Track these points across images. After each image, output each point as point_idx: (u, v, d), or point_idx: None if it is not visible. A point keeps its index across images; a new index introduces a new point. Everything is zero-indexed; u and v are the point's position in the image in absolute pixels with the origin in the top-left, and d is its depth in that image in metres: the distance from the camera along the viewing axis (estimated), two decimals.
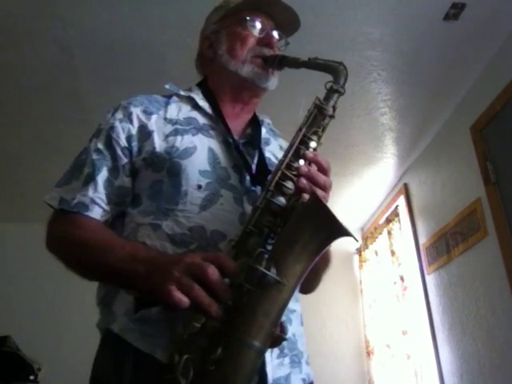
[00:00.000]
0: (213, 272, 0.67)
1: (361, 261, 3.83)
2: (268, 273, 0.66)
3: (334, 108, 0.86)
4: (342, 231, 0.70)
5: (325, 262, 0.96)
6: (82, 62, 2.17)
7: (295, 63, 0.95)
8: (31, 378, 2.46)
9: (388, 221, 3.29)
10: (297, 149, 0.81)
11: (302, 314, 0.93)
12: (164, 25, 1.97)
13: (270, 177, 0.80)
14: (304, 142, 0.82)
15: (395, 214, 3.21)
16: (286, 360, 0.84)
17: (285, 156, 0.81)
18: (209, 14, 1.12)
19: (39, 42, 2.04)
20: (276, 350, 0.81)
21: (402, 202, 3.15)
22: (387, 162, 3.04)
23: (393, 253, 3.15)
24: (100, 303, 0.86)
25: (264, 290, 0.67)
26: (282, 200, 0.77)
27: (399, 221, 3.15)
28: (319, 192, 0.78)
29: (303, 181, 0.77)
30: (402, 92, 2.39)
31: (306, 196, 0.76)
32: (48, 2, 1.86)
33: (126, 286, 0.79)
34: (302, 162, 0.80)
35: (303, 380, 0.86)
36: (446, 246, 2.50)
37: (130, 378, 0.74)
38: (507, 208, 2.01)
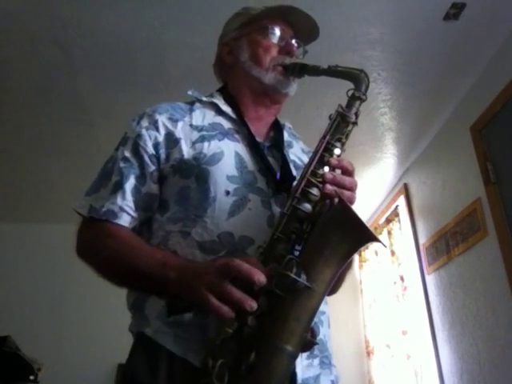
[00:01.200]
0: (246, 267, 0.68)
1: (361, 261, 3.83)
2: (299, 279, 0.68)
3: (357, 115, 0.87)
4: (370, 237, 0.72)
5: (349, 264, 0.97)
6: (82, 62, 2.17)
7: (315, 71, 0.97)
8: (31, 378, 2.46)
9: (388, 221, 3.29)
10: (321, 156, 0.82)
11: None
12: (164, 25, 1.97)
13: (295, 184, 0.82)
14: (328, 150, 0.83)
15: (395, 213, 3.22)
16: (316, 361, 0.84)
17: (310, 163, 0.82)
18: (228, 20, 1.14)
19: (39, 42, 2.04)
20: None
21: (402, 202, 3.15)
22: (387, 162, 3.04)
23: (393, 253, 3.15)
24: (132, 307, 0.87)
25: (295, 296, 0.69)
26: (307, 207, 0.78)
27: (399, 221, 3.15)
28: (347, 193, 0.80)
29: (329, 187, 0.79)
30: (402, 92, 2.39)
31: (334, 201, 0.78)
32: (48, 2, 1.86)
33: (157, 291, 0.81)
34: (326, 168, 0.81)
35: (332, 382, 0.87)
36: (446, 245, 2.50)
37: (166, 379, 0.75)
38: (507, 208, 2.01)
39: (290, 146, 1.04)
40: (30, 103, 2.43)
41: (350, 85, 0.91)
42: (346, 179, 0.82)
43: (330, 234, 0.72)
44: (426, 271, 2.75)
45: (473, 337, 2.22)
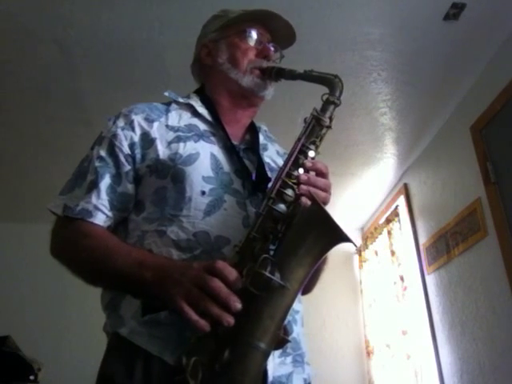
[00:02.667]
0: (217, 286, 0.69)
1: (361, 261, 3.83)
2: (273, 278, 0.70)
3: (331, 119, 0.90)
4: (342, 237, 0.73)
5: (323, 263, 0.99)
6: (82, 62, 2.17)
7: (291, 75, 1.00)
8: (31, 378, 2.46)
9: (388, 221, 3.29)
10: (296, 158, 0.84)
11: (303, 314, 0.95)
12: (164, 25, 1.97)
13: (271, 185, 0.83)
14: (303, 152, 0.85)
15: (395, 214, 3.21)
16: (289, 359, 0.85)
17: (285, 165, 0.84)
18: (206, 22, 1.15)
19: (39, 42, 2.04)
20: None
21: (402, 201, 3.15)
22: (387, 162, 3.04)
23: (393, 253, 3.15)
24: (107, 308, 0.87)
25: (269, 294, 0.70)
26: (283, 207, 0.80)
27: (399, 221, 3.15)
28: (321, 194, 0.81)
29: (303, 187, 0.80)
30: (402, 92, 2.39)
31: (308, 202, 0.79)
32: (48, 2, 1.86)
33: (132, 291, 0.81)
34: (301, 170, 0.83)
35: (304, 380, 0.88)
36: (445, 246, 2.50)
37: (142, 379, 0.75)
38: (507, 208, 2.01)
39: (265, 148, 1.05)
40: (30, 103, 2.43)
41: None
42: (321, 180, 0.84)
43: (304, 234, 0.74)
44: (425, 271, 2.75)
45: (473, 337, 2.22)
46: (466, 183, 2.36)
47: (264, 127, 1.12)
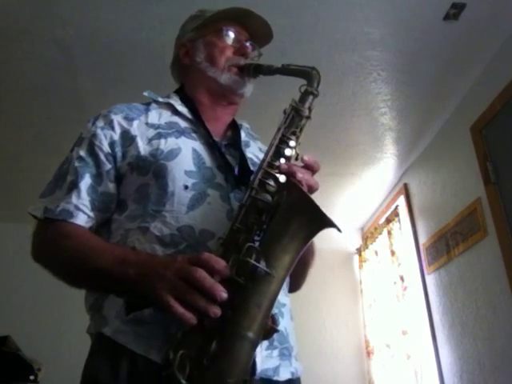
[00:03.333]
0: (202, 276, 0.68)
1: (361, 261, 3.83)
2: (258, 265, 0.69)
3: (310, 109, 0.90)
4: (326, 222, 0.73)
5: (311, 256, 1.00)
6: (82, 62, 2.17)
7: (269, 71, 1.00)
8: (31, 378, 2.46)
9: (388, 221, 3.29)
10: (277, 148, 0.84)
11: (291, 308, 0.94)
12: (164, 25, 1.97)
13: (253, 176, 0.83)
14: (283, 142, 0.85)
15: (395, 214, 3.21)
16: (275, 352, 0.84)
17: (266, 155, 0.84)
18: (184, 22, 1.17)
19: (39, 42, 2.04)
20: (265, 342, 0.81)
21: (402, 202, 3.15)
22: (387, 162, 3.04)
23: (393, 253, 3.15)
24: (90, 309, 0.86)
25: (255, 283, 0.70)
26: (266, 197, 0.80)
27: (399, 221, 3.15)
28: (311, 181, 0.82)
29: (294, 171, 0.80)
30: (402, 92, 2.39)
31: (292, 189, 0.78)
32: (48, 1, 1.86)
33: (116, 290, 0.79)
34: (282, 160, 0.83)
35: (292, 373, 0.87)
36: (445, 246, 2.50)
37: (127, 379, 0.74)
38: (507, 208, 2.01)
39: (248, 145, 1.05)
40: (30, 103, 2.43)
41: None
42: (304, 170, 0.83)
43: (288, 221, 0.74)
44: (425, 271, 2.75)
45: (473, 337, 2.22)
46: (466, 183, 2.36)
47: (246, 125, 1.12)
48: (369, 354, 3.48)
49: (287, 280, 0.95)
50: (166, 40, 2.03)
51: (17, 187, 3.27)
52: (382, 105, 2.49)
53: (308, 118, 0.89)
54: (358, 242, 3.92)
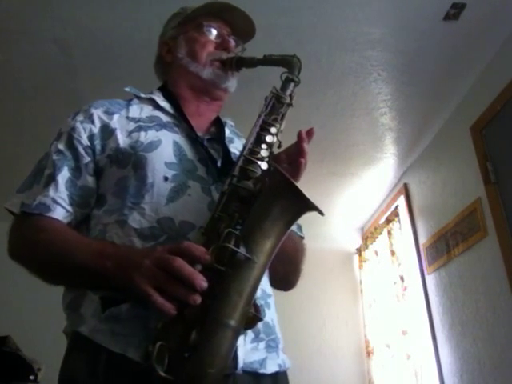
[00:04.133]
0: (181, 264, 0.66)
1: (361, 261, 3.83)
2: (237, 250, 0.67)
3: (291, 96, 0.89)
4: (308, 205, 0.71)
5: (300, 253, 0.98)
6: (82, 62, 2.17)
7: (252, 62, 0.99)
8: (31, 377, 2.45)
9: (388, 221, 3.29)
10: (258, 135, 0.83)
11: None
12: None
13: (234, 163, 0.82)
14: (264, 129, 0.84)
15: (395, 214, 3.21)
16: (262, 345, 0.83)
17: (247, 142, 0.83)
18: (167, 20, 1.16)
19: (39, 42, 2.04)
20: (250, 334, 0.80)
21: (402, 202, 3.15)
22: (387, 162, 3.04)
23: (393, 253, 3.15)
24: (67, 308, 0.83)
25: (235, 269, 0.68)
26: (247, 184, 0.78)
27: (399, 221, 3.15)
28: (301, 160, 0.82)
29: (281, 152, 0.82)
30: (402, 92, 2.39)
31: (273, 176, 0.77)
32: (47, 1, 1.86)
33: (95, 284, 0.77)
34: (264, 146, 0.83)
35: (279, 365, 0.85)
36: (446, 246, 2.50)
37: (104, 379, 0.72)
38: (507, 208, 2.01)
39: (232, 141, 1.04)
40: (30, 103, 2.43)
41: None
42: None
43: (269, 205, 0.72)
44: (425, 271, 2.74)
45: (473, 337, 2.22)
46: (466, 183, 2.36)
47: (230, 122, 1.11)
48: (369, 353, 3.48)
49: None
50: None
51: (16, 187, 3.26)
52: (382, 105, 2.49)
53: (290, 105, 0.89)
54: (358, 242, 3.92)
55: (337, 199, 3.48)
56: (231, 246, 0.67)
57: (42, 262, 0.81)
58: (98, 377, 0.72)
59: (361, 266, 3.82)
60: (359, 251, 3.87)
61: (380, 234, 3.44)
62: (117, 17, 1.92)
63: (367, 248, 3.70)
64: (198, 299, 0.65)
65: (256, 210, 0.73)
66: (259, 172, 0.79)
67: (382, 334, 3.28)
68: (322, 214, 0.72)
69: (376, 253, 3.55)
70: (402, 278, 3.01)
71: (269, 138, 0.83)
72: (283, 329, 0.92)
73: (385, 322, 3.22)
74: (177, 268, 0.66)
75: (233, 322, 0.66)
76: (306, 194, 0.70)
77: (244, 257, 0.67)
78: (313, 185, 3.24)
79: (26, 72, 2.22)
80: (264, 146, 0.82)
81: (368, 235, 3.74)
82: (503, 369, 1.98)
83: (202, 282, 0.66)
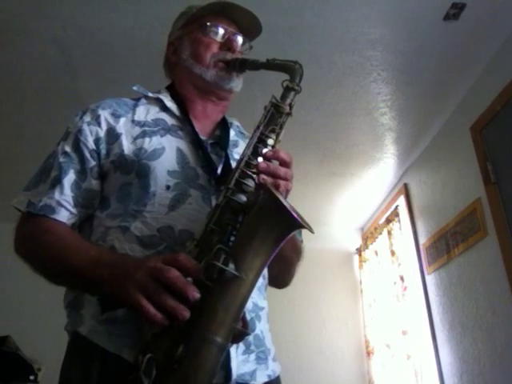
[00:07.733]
0: (175, 276, 0.67)
1: (361, 261, 3.83)
2: (226, 268, 0.68)
3: (291, 106, 0.88)
4: (296, 224, 0.71)
5: (296, 254, 0.99)
6: (82, 62, 2.17)
7: (255, 65, 0.98)
8: (31, 377, 2.46)
9: (388, 221, 3.29)
10: (255, 147, 0.83)
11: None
12: (164, 25, 1.96)
13: (230, 176, 0.81)
14: (262, 140, 0.83)
15: (395, 214, 3.21)
16: (252, 356, 0.84)
17: (243, 154, 0.82)
18: (175, 19, 1.15)
19: (38, 42, 2.04)
20: (242, 347, 0.82)
21: (402, 202, 3.15)
22: (387, 162, 3.04)
23: (393, 253, 3.15)
24: (68, 306, 0.86)
25: (223, 286, 0.68)
26: (242, 198, 0.78)
27: (399, 221, 3.15)
28: (282, 183, 0.79)
29: (263, 176, 0.78)
30: (402, 92, 2.39)
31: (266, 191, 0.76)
32: (47, 1, 1.86)
33: (91, 290, 0.79)
34: (260, 159, 0.81)
35: (269, 376, 0.87)
36: (446, 245, 2.50)
37: (98, 378, 0.74)
38: (507, 208, 2.01)
39: (236, 145, 1.04)
40: (30, 103, 2.43)
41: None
42: (281, 169, 0.80)
43: (259, 224, 0.72)
44: (425, 271, 2.75)
45: (473, 337, 2.22)
46: (465, 183, 2.36)
47: (236, 123, 1.10)
48: (369, 354, 3.48)
49: (264, 284, 0.95)
50: (166, 40, 2.04)
51: (16, 187, 3.25)
52: (382, 105, 2.49)
53: (289, 114, 0.87)
54: (358, 242, 3.92)
55: (337, 199, 3.48)
56: (219, 264, 0.68)
57: (42, 262, 0.83)
58: (92, 377, 0.74)
59: (361, 266, 3.82)
60: (359, 251, 3.87)
61: (380, 234, 3.44)
62: (117, 17, 1.92)
63: (367, 248, 3.70)
64: (187, 315, 0.66)
65: (246, 227, 0.74)
66: (253, 186, 0.79)
67: (381, 334, 3.28)
68: (311, 231, 0.72)
69: (376, 253, 3.55)
70: (401, 278, 3.01)
71: (268, 152, 0.82)
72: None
73: (385, 322, 3.22)
74: (170, 279, 0.67)
75: (218, 339, 0.66)
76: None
77: (232, 275, 0.68)
78: (313, 185, 3.25)
79: (25, 72, 2.22)
80: (260, 158, 0.81)
81: (368, 235, 3.74)
82: (503, 369, 1.98)
83: (195, 293, 0.66)
